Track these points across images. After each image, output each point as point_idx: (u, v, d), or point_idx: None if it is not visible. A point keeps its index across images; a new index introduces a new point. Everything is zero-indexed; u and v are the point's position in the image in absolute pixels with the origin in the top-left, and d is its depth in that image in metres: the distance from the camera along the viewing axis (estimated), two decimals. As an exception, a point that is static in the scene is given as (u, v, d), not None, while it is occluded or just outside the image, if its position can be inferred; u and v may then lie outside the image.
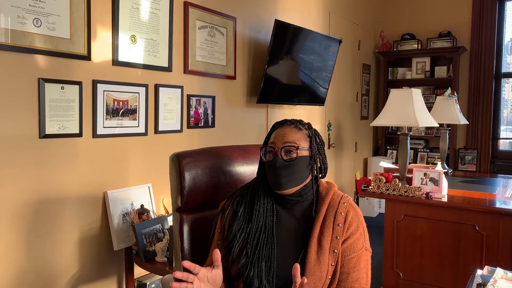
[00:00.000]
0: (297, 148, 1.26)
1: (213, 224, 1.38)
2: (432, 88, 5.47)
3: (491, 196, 2.78)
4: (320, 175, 1.34)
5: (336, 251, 1.23)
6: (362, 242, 1.27)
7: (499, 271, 1.33)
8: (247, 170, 1.59)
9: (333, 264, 1.22)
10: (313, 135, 1.31)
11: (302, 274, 1.20)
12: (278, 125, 1.33)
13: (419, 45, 5.52)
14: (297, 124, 1.32)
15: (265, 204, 1.30)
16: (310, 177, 1.31)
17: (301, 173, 1.27)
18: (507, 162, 5.09)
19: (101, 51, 2.31)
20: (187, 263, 1.10)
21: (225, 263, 1.28)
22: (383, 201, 4.95)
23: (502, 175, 4.08)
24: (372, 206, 5.15)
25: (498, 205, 2.52)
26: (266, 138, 1.35)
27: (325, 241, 1.23)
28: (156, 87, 2.63)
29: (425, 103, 2.92)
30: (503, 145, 5.26)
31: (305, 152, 1.28)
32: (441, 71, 5.31)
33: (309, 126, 1.34)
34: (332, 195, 1.31)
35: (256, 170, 1.57)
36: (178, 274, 1.09)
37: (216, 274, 1.16)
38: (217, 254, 1.15)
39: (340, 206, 1.28)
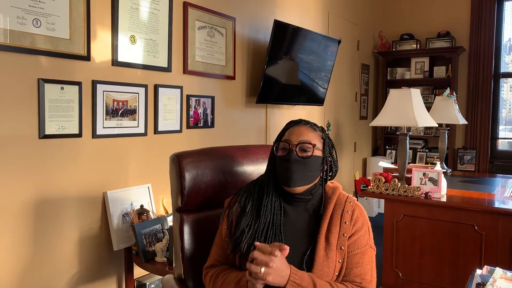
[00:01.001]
0: (314, 146, 1.29)
1: (219, 220, 1.39)
2: (431, 88, 5.48)
3: (490, 196, 2.79)
4: (329, 177, 1.38)
5: (343, 248, 1.25)
6: (366, 240, 1.29)
7: (498, 271, 1.34)
8: (247, 170, 1.60)
9: (340, 261, 1.24)
10: (326, 138, 1.35)
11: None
12: (293, 123, 1.36)
13: (418, 45, 5.53)
14: (312, 125, 1.36)
15: (273, 200, 1.31)
16: (319, 178, 1.34)
17: (312, 172, 1.30)
18: (505, 162, 5.10)
19: (100, 51, 2.31)
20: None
21: (233, 259, 1.29)
22: (382, 201, 4.95)
23: (501, 175, 4.09)
24: (372, 206, 5.16)
25: (497, 204, 2.52)
26: (279, 135, 1.37)
27: (332, 238, 1.25)
28: (156, 87, 2.63)
29: (424, 103, 2.92)
30: (501, 145, 5.27)
31: (319, 152, 1.31)
32: (440, 71, 5.32)
33: (322, 129, 1.38)
34: (338, 194, 1.34)
35: (257, 170, 1.59)
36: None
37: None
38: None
39: (346, 205, 1.31)
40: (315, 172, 1.31)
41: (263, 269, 1.09)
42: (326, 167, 1.34)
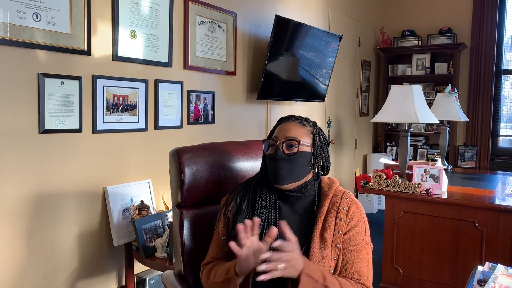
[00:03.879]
0: (299, 142, 1.27)
1: (216, 218, 1.38)
2: (432, 84, 5.46)
3: (491, 192, 2.78)
4: (322, 173, 1.35)
5: (338, 245, 1.24)
6: (362, 236, 1.27)
7: (500, 268, 1.33)
8: (247, 165, 1.59)
9: (335, 258, 1.23)
10: (316, 133, 1.32)
11: None
12: (283, 119, 1.35)
13: (420, 41, 5.51)
14: (301, 120, 1.33)
15: (268, 198, 1.31)
16: (311, 174, 1.32)
17: (301, 169, 1.28)
18: (506, 159, 5.09)
19: (101, 46, 2.30)
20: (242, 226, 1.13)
21: (230, 257, 1.28)
22: (382, 197, 4.95)
23: (502, 172, 4.08)
24: (372, 203, 5.15)
25: (498, 201, 2.51)
26: (270, 132, 1.36)
27: (327, 235, 1.24)
28: (156, 82, 2.62)
29: (425, 99, 2.91)
30: (502, 142, 5.26)
31: (306, 148, 1.29)
32: (441, 68, 5.30)
33: (314, 123, 1.36)
34: (334, 190, 1.32)
35: (256, 166, 1.58)
36: (241, 227, 1.13)
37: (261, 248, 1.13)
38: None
39: (342, 202, 1.29)
40: (304, 168, 1.28)
41: (282, 265, 1.06)
42: (317, 162, 1.31)
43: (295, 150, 1.27)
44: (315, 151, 1.30)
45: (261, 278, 1.05)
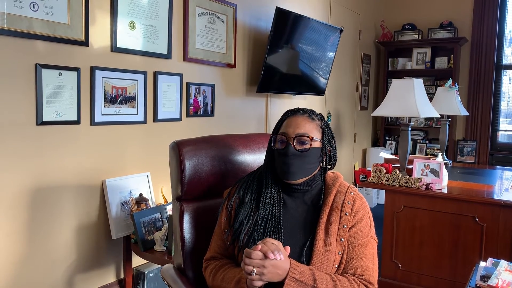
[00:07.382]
0: (311, 139, 1.25)
1: (218, 211, 1.36)
2: (432, 79, 5.44)
3: (490, 187, 2.78)
4: (329, 167, 1.34)
5: (343, 240, 1.22)
6: (367, 231, 1.26)
7: (503, 263, 1.32)
8: (248, 159, 1.57)
9: (340, 253, 1.22)
10: (325, 127, 1.31)
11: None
12: (291, 113, 1.32)
13: (420, 35, 5.48)
14: (310, 114, 1.31)
15: (272, 192, 1.29)
16: (318, 168, 1.31)
17: (311, 164, 1.27)
18: (505, 154, 5.08)
19: (99, 37, 2.27)
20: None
21: (233, 250, 1.27)
22: (381, 192, 4.94)
23: (501, 167, 4.07)
24: (371, 197, 5.15)
25: (497, 196, 2.51)
26: (276, 126, 1.33)
27: (332, 229, 1.22)
28: (155, 74, 2.59)
29: (425, 93, 2.88)
30: (501, 137, 5.25)
31: (317, 144, 1.27)
32: (441, 62, 5.27)
33: (321, 117, 1.33)
34: (338, 184, 1.31)
35: (258, 159, 1.56)
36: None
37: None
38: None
39: (347, 196, 1.27)
40: (314, 164, 1.28)
41: (255, 269, 1.09)
42: (325, 157, 1.30)
43: (308, 146, 1.25)
44: (324, 146, 1.29)
45: None
